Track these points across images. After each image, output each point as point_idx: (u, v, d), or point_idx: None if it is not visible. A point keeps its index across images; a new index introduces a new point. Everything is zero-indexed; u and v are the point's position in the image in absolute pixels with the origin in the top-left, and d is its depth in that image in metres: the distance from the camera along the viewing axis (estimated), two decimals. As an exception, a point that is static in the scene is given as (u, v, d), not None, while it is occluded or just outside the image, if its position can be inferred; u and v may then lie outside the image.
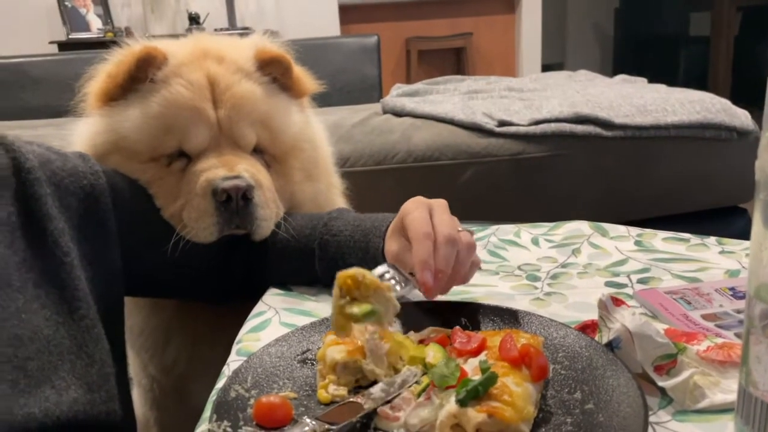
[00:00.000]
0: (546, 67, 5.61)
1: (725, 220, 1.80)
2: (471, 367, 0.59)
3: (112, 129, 0.92)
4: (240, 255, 0.93)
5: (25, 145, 0.79)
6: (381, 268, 0.74)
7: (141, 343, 1.06)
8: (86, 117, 0.98)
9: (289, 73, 0.99)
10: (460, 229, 0.75)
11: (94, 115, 0.96)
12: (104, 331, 0.77)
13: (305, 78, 1.03)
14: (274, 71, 0.98)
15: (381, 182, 1.68)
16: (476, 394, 0.52)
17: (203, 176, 0.89)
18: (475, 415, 0.51)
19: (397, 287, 0.71)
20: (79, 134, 0.97)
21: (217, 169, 0.89)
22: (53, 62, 2.68)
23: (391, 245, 0.79)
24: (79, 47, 4.28)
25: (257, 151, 0.95)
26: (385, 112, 1.94)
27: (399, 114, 1.89)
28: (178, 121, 0.90)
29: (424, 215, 0.75)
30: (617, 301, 0.64)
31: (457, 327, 0.67)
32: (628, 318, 0.62)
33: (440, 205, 0.78)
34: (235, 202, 0.88)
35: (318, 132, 1.06)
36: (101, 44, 4.39)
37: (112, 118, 0.93)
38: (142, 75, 0.91)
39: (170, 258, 0.90)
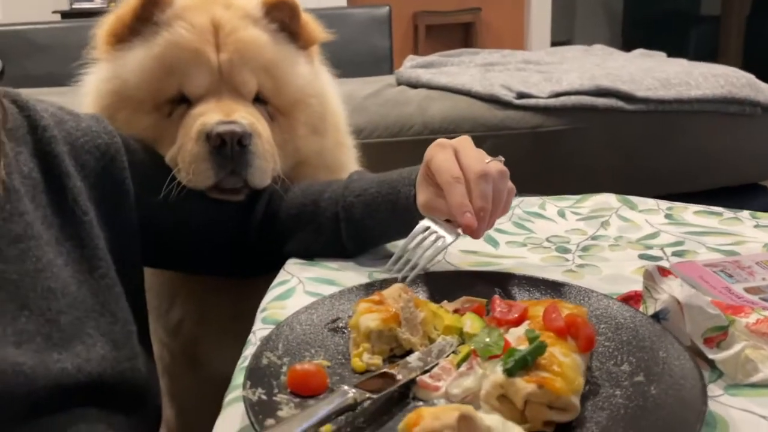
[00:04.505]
0: (555, 44, 5.53)
1: (744, 198, 1.77)
2: (513, 337, 0.56)
3: (116, 75, 0.91)
4: (254, 220, 0.91)
5: (38, 104, 0.78)
6: (423, 223, 0.74)
7: (148, 302, 1.04)
8: (93, 66, 0.96)
9: (295, 19, 0.96)
10: (488, 160, 0.73)
11: (101, 61, 0.94)
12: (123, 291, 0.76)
13: (313, 25, 1.00)
14: (280, 16, 0.95)
15: (396, 155, 1.64)
16: (524, 364, 0.50)
17: (199, 120, 0.86)
18: (524, 385, 0.49)
19: (447, 238, 0.72)
20: (87, 84, 0.96)
21: (214, 114, 0.86)
22: (59, 30, 2.63)
23: (420, 195, 0.77)
24: (83, 17, 4.21)
25: (260, 102, 0.93)
26: (399, 83, 1.91)
27: (414, 85, 1.86)
28: (178, 63, 0.89)
29: (450, 157, 0.73)
30: (664, 272, 0.62)
31: (497, 296, 0.65)
32: (677, 289, 0.59)
33: (463, 141, 0.75)
34: (229, 147, 0.85)
35: (327, 86, 1.03)
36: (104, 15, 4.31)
37: (116, 62, 0.92)
38: (147, 15, 0.90)
39: (185, 221, 0.88)
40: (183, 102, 0.90)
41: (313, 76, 0.99)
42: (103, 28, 0.94)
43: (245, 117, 0.87)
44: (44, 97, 0.84)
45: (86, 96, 0.95)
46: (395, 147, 1.68)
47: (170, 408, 1.19)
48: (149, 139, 0.90)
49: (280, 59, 0.93)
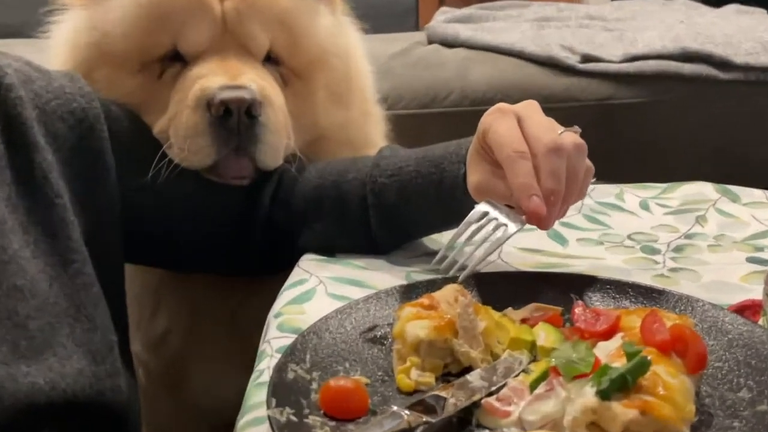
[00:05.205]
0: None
1: None
2: (603, 353, 0.57)
3: (95, 25, 0.92)
4: (261, 207, 0.92)
5: (1, 58, 0.78)
6: (480, 207, 0.73)
7: None
8: (66, 13, 0.97)
9: None
10: (560, 130, 0.72)
11: (76, 7, 0.95)
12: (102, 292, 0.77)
13: None
14: None
15: (427, 130, 1.64)
16: (623, 385, 0.50)
17: (197, 84, 0.87)
18: (623, 411, 0.49)
19: (509, 227, 0.71)
20: (58, 35, 0.97)
21: (216, 76, 0.87)
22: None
23: (473, 174, 0.76)
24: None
25: (272, 62, 0.94)
26: (431, 41, 1.92)
27: (450, 44, 1.87)
28: (173, 12, 0.89)
29: (512, 125, 0.72)
30: (791, 276, 0.62)
31: (580, 302, 0.65)
32: (808, 297, 0.59)
33: (529, 106, 0.75)
34: (235, 118, 0.85)
35: (352, 43, 1.04)
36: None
37: (95, 9, 0.92)
38: None
39: (177, 208, 0.90)
40: (177, 60, 0.91)
41: (337, 31, 1.00)
42: None
43: (255, 81, 0.88)
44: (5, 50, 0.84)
45: (57, 50, 0.96)
46: (426, 120, 1.68)
47: (143, 437, 1.20)
48: (134, 106, 0.91)
49: (298, 9, 0.94)
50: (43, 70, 0.82)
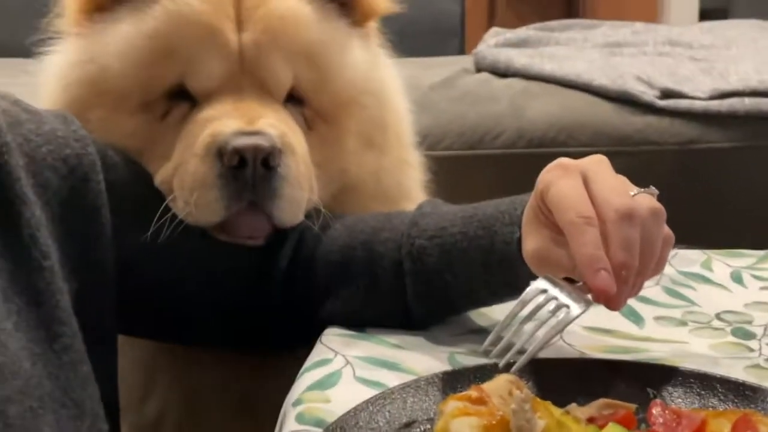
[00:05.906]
0: (705, 15, 5.52)
1: None
2: (685, 464, 0.58)
3: (92, 58, 0.96)
4: (278, 270, 0.94)
5: None
6: (537, 284, 0.75)
7: None
8: (59, 42, 1.02)
9: None
10: (634, 192, 0.75)
11: (71, 36, 1.00)
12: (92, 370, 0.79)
13: None
14: None
15: (474, 176, 1.69)
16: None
17: (208, 128, 0.91)
18: None
19: (572, 309, 0.72)
20: (49, 68, 1.01)
21: (230, 120, 0.91)
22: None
23: (529, 241, 0.78)
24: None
25: (294, 102, 0.98)
26: (479, 69, 1.97)
27: (503, 73, 1.91)
28: (181, 44, 0.93)
29: (576, 185, 0.74)
30: None
31: (658, 400, 0.67)
32: None
33: (597, 163, 0.77)
34: (251, 169, 0.88)
35: (389, 80, 1.08)
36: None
37: (92, 39, 0.97)
38: None
39: (179, 271, 0.93)
40: (185, 99, 0.95)
41: (371, 66, 1.04)
42: None
43: (274, 126, 0.91)
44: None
45: (47, 86, 1.00)
46: (473, 164, 1.72)
47: None
48: (133, 151, 0.95)
49: (327, 42, 0.98)
50: (33, 111, 0.85)
